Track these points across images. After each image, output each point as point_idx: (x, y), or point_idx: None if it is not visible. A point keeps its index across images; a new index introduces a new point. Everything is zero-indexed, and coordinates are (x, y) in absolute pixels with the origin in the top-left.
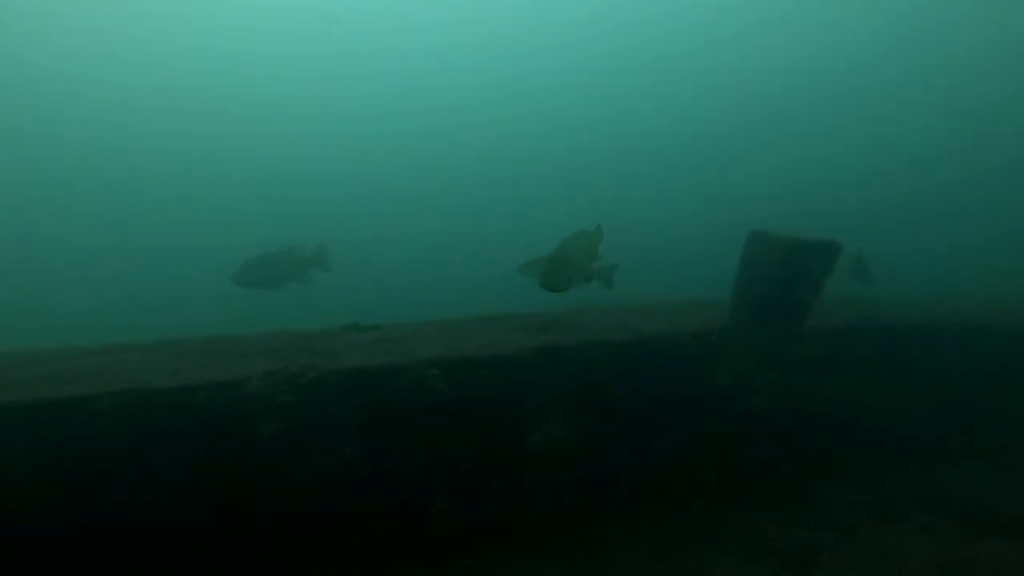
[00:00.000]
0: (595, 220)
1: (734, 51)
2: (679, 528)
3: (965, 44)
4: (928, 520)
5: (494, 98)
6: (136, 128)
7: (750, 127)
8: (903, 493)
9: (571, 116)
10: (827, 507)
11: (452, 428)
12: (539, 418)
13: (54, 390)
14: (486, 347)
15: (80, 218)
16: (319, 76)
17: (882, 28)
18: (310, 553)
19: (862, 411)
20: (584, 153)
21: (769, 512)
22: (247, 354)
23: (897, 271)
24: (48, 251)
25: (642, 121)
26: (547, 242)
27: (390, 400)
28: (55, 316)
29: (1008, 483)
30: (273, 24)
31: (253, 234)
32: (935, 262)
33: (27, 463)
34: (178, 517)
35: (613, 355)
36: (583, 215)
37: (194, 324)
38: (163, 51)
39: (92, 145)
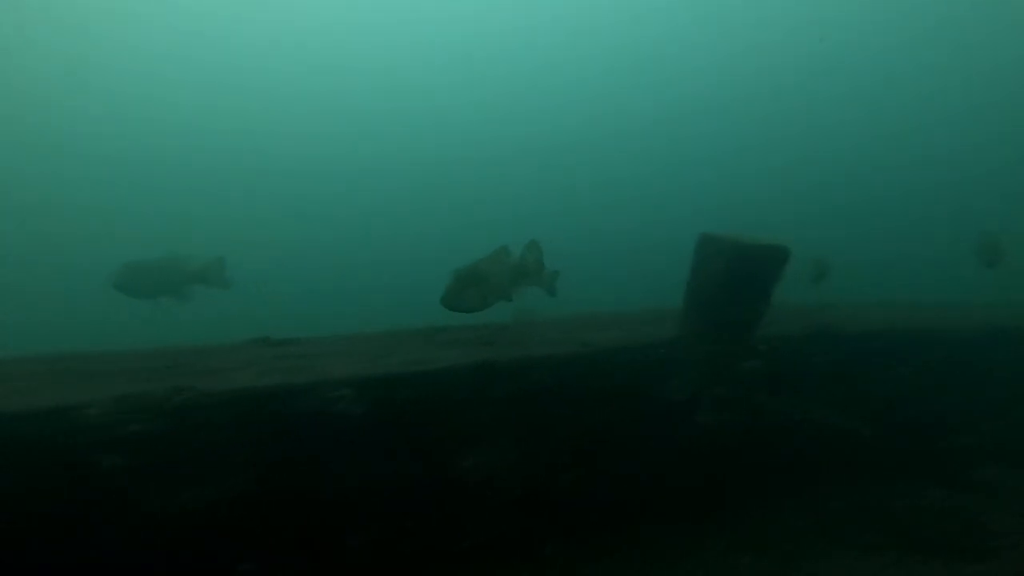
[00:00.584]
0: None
1: (687, 51)
2: (625, 556)
3: (924, 47)
4: (873, 542)
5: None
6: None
7: (720, 131)
8: (850, 513)
9: (503, 120)
10: (774, 530)
11: (366, 455)
12: (472, 442)
13: None
14: (413, 363)
15: None
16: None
17: (834, 30)
18: None
19: (813, 427)
20: (526, 156)
21: (717, 536)
22: (109, 374)
23: (861, 279)
24: None
25: (588, 125)
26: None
27: (287, 425)
28: None
29: (957, 500)
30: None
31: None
32: (897, 269)
33: None
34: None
35: (557, 371)
36: (535, 221)
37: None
38: None
39: None
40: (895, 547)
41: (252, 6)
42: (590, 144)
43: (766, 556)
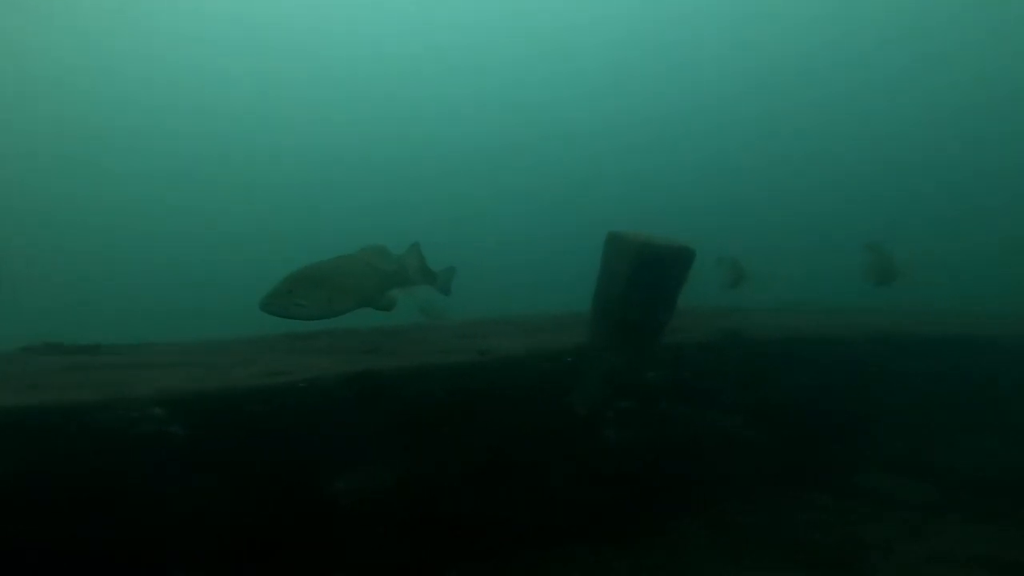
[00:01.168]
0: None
1: (620, 49)
2: None
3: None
4: (778, 563)
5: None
6: None
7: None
8: (756, 532)
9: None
10: (680, 551)
11: (194, 487)
12: (344, 466)
13: None
14: (270, 375)
15: None
16: None
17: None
18: None
19: (722, 440)
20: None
21: (624, 558)
22: None
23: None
24: None
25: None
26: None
27: (66, 456)
28: None
29: (842, 508)
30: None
31: None
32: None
33: None
34: None
35: (449, 382)
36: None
37: None
38: None
39: None
40: (791, 566)
41: None
42: (514, 147)
43: None
